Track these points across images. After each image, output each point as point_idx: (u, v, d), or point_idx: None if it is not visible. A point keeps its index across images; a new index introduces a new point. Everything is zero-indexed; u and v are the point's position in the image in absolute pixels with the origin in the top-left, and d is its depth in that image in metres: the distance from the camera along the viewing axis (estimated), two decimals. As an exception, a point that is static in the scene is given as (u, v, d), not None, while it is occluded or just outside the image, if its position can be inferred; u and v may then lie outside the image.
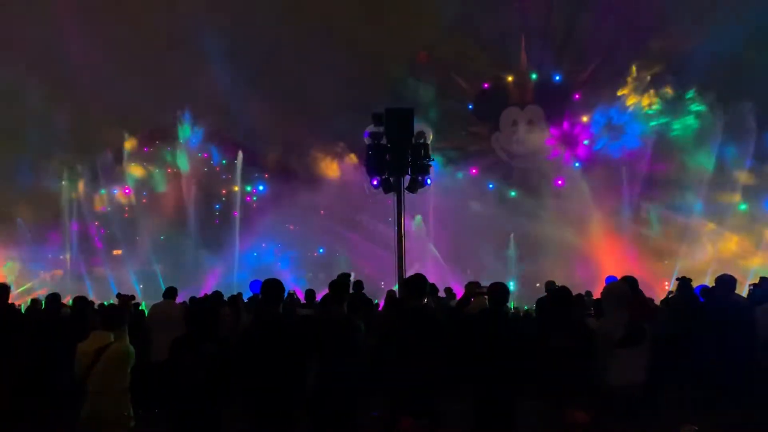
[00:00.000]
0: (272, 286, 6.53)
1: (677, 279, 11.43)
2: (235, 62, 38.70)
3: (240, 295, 16.38)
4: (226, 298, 14.15)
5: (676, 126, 38.82)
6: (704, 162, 35.78)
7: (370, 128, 20.60)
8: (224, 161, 42.95)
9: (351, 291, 11.11)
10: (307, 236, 39.71)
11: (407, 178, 20.09)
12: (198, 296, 16.10)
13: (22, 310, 16.59)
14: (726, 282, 9.24)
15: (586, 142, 43.13)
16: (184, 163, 39.05)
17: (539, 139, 41.85)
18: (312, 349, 6.66)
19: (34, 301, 16.20)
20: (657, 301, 12.74)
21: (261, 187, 43.56)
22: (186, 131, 39.19)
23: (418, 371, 6.59)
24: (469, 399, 7.03)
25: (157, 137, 41.16)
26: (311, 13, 40.27)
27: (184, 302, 13.93)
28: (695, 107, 38.46)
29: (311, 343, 6.65)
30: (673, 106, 38.93)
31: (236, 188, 41.22)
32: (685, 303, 10.67)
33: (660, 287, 28.23)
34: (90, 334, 6.87)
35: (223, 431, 6.18)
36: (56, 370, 9.08)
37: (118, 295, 15.93)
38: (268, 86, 40.32)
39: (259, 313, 8.67)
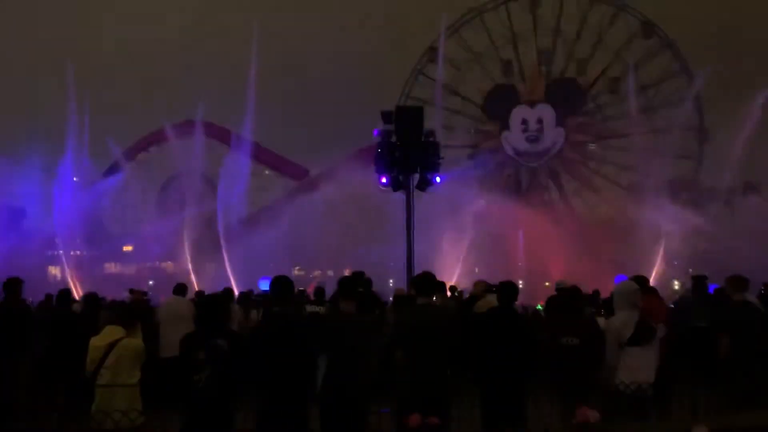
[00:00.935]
0: (282, 284, 6.54)
1: (692, 277, 11.36)
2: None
3: (250, 291, 16.42)
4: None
5: None
6: None
7: (380, 126, 20.63)
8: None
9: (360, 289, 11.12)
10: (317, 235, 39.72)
11: (417, 176, 20.10)
12: (206, 293, 16.12)
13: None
14: (738, 282, 9.17)
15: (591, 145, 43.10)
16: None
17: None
18: (320, 347, 6.67)
19: (47, 297, 16.26)
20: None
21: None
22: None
23: (427, 369, 6.59)
24: (478, 397, 7.02)
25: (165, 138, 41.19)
26: (318, 9, 40.33)
27: (194, 299, 13.97)
28: None
29: (319, 341, 6.66)
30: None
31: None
32: (699, 302, 10.60)
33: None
34: (103, 329, 6.91)
35: (234, 427, 6.20)
36: (66, 366, 9.13)
37: (131, 291, 15.99)
38: (274, 87, 40.44)
39: (268, 310, 8.69)
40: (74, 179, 39.39)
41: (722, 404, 8.42)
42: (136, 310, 7.54)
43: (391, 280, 31.45)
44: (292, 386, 6.13)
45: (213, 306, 6.41)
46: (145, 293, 15.95)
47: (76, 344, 7.73)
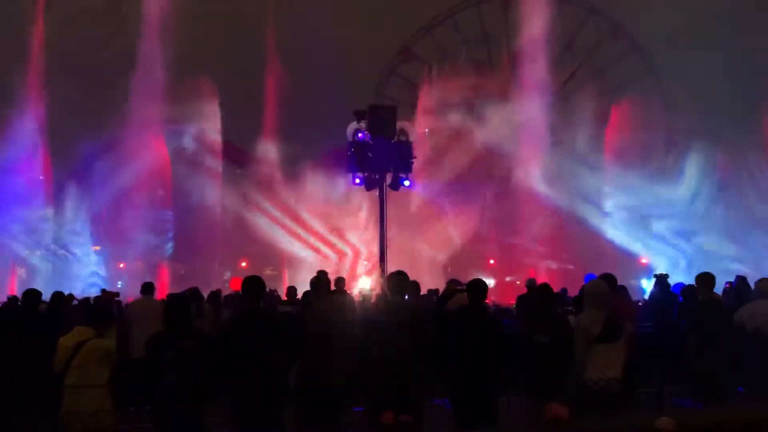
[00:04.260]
0: (253, 282, 6.53)
1: (654, 276, 11.59)
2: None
3: (219, 291, 16.29)
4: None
5: None
6: None
7: (353, 125, 20.63)
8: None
9: (333, 288, 11.13)
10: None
11: (389, 175, 20.14)
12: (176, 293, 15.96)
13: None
14: (706, 280, 9.36)
15: None
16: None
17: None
18: (292, 345, 6.66)
19: (10, 298, 15.96)
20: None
21: None
22: None
23: (400, 367, 6.60)
24: (450, 394, 7.06)
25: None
26: (291, 11, 40.07)
27: (163, 299, 13.80)
28: None
29: (292, 339, 6.65)
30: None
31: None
32: (664, 300, 10.82)
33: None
34: (73, 329, 6.82)
35: (205, 426, 6.16)
36: (30, 366, 8.99)
37: (102, 291, 15.81)
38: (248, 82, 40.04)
39: (239, 308, 8.63)
40: (40, 177, 38.61)
41: (690, 399, 8.61)
42: (106, 311, 7.43)
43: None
44: (264, 385, 6.10)
45: (178, 305, 6.36)
46: (116, 294, 15.75)
47: (41, 344, 7.61)
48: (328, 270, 14.45)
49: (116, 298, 14.95)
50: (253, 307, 6.48)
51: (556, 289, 12.99)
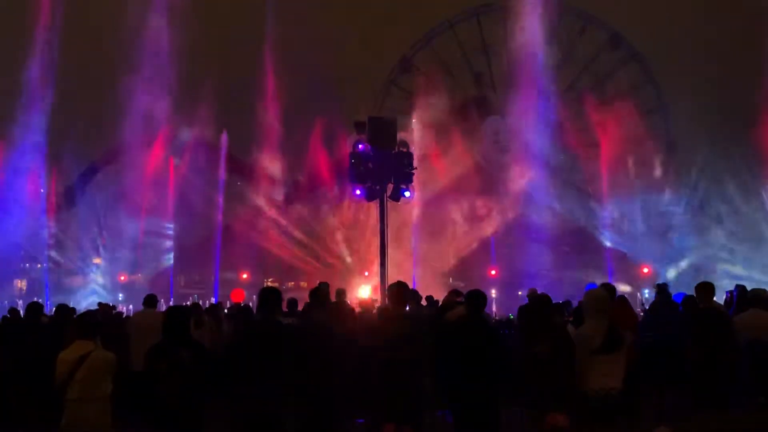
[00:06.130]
0: (270, 293, 6.58)
1: (656, 285, 11.61)
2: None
3: (220, 304, 16.31)
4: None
5: None
6: None
7: (353, 136, 20.71)
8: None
9: (333, 299, 11.15)
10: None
11: (390, 186, 20.18)
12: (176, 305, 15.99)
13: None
14: (706, 290, 9.36)
15: None
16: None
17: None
18: (296, 356, 6.67)
19: (12, 310, 15.96)
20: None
21: None
22: None
23: (401, 378, 6.61)
24: (450, 405, 7.06)
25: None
26: (291, 20, 40.23)
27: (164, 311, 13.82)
28: None
29: (295, 350, 6.66)
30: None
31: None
32: (665, 310, 10.82)
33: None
34: (73, 343, 6.82)
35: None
36: (31, 378, 8.98)
37: (99, 305, 15.84)
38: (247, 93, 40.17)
39: (252, 319, 8.63)
40: (41, 190, 38.69)
41: (689, 408, 8.59)
42: (95, 323, 7.39)
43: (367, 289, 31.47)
44: (269, 395, 6.10)
45: (177, 317, 6.39)
46: (113, 307, 15.79)
47: (42, 356, 7.61)
48: (328, 281, 14.42)
49: (115, 311, 14.97)
50: (264, 316, 6.51)
51: (559, 299, 13.04)
